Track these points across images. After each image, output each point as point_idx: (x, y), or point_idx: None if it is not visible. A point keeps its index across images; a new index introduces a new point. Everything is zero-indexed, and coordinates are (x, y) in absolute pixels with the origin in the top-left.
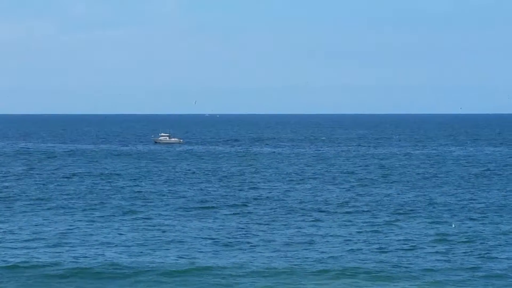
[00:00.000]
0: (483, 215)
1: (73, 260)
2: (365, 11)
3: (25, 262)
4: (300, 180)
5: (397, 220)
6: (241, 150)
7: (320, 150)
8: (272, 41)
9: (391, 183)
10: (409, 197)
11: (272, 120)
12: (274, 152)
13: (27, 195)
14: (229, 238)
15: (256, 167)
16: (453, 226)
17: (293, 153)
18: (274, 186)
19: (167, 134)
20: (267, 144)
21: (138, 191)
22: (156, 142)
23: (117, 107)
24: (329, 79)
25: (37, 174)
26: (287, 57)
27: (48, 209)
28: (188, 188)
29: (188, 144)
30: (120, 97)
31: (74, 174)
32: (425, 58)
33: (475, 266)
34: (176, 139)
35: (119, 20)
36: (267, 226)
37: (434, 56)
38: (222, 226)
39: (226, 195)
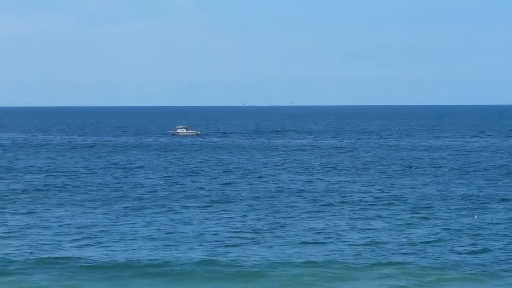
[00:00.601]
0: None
1: (96, 253)
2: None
3: (50, 255)
4: (324, 172)
5: (429, 212)
6: (260, 142)
7: (340, 142)
8: (282, 36)
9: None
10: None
11: (289, 111)
12: (294, 143)
13: (48, 189)
14: (251, 232)
15: (275, 159)
16: (475, 217)
17: (312, 145)
18: (294, 178)
19: (184, 126)
20: (286, 136)
21: (157, 184)
22: (173, 135)
23: (135, 99)
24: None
25: (58, 167)
26: (293, 51)
27: (72, 203)
28: (207, 181)
29: (205, 136)
30: (138, 89)
31: (93, 168)
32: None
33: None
34: (193, 131)
35: (133, 14)
36: (289, 219)
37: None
38: (243, 219)
39: (243, 188)
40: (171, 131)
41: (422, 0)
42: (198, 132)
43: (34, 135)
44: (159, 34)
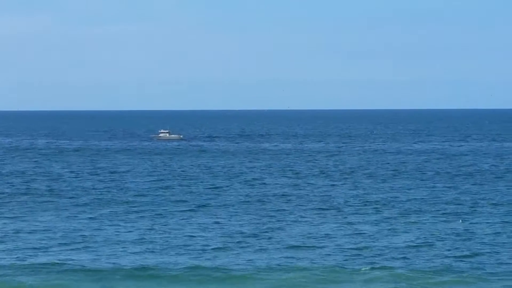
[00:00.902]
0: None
1: (82, 258)
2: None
3: (36, 260)
4: (310, 176)
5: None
6: (245, 146)
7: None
8: (280, 37)
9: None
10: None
11: (275, 115)
12: (278, 147)
13: (33, 193)
14: (238, 236)
15: (260, 163)
16: (460, 221)
17: (297, 149)
18: (280, 182)
19: (167, 131)
20: (271, 140)
21: (141, 189)
22: (156, 139)
23: (134, 101)
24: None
25: (43, 171)
26: (290, 52)
27: (56, 207)
28: (191, 185)
29: (189, 140)
30: (137, 91)
31: (78, 172)
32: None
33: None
34: (176, 135)
35: (121, 16)
36: (276, 223)
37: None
38: (230, 224)
39: (229, 193)
40: (153, 136)
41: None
42: (181, 136)
43: (21, 139)
44: (158, 35)
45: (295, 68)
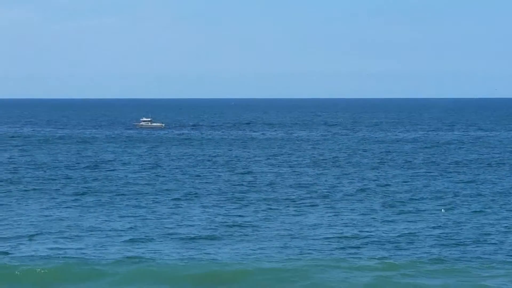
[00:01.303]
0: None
1: (66, 248)
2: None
3: (18, 250)
4: (293, 165)
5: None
6: (226, 134)
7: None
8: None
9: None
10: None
11: (270, 103)
12: (263, 136)
13: (15, 183)
14: (226, 227)
15: (240, 151)
16: (442, 211)
17: (284, 138)
18: (265, 171)
19: (149, 119)
20: (253, 128)
21: (124, 178)
22: (137, 127)
23: (113, 92)
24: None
25: (27, 160)
26: (277, 44)
27: (40, 196)
28: (175, 175)
29: (169, 128)
30: (120, 82)
31: (61, 160)
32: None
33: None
34: (158, 123)
35: (104, 9)
36: (265, 212)
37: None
38: (217, 213)
39: (211, 181)
40: (135, 123)
41: None
42: (163, 124)
43: (5, 127)
44: (136, 27)
45: (295, 61)
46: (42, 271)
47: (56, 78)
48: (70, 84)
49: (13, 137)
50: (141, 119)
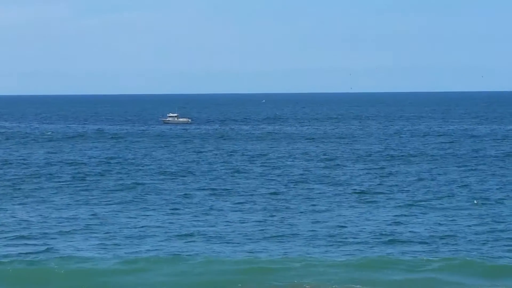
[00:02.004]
0: None
1: (67, 247)
2: None
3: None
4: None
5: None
6: (254, 130)
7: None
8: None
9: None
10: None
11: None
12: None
13: (51, 179)
14: (259, 224)
15: (276, 146)
16: (475, 202)
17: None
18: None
19: (175, 114)
20: (281, 124)
21: (156, 175)
22: (164, 122)
23: (134, 88)
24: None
25: (61, 156)
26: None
27: (71, 192)
28: (210, 170)
29: (196, 124)
30: (138, 78)
31: (80, 158)
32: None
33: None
34: (184, 119)
35: (133, 3)
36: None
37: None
38: (251, 209)
39: (246, 177)
40: (162, 119)
41: None
42: (189, 120)
43: (37, 124)
44: (159, 23)
45: (293, 57)
46: (84, 269)
47: (73, 74)
48: (88, 80)
49: (40, 135)
50: (168, 115)
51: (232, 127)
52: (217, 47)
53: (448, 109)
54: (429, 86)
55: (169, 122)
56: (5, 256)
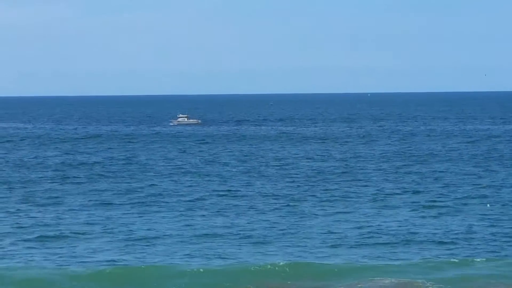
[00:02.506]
0: None
1: (62, 252)
2: None
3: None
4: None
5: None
6: (269, 130)
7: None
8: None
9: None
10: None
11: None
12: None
13: (65, 181)
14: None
15: (289, 147)
16: (488, 206)
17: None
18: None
19: (186, 115)
20: (289, 124)
21: (169, 177)
22: (175, 124)
23: (137, 89)
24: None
25: (74, 158)
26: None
27: (85, 192)
28: (222, 171)
29: (206, 125)
30: (142, 79)
31: (106, 158)
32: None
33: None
34: (194, 120)
35: (137, 4)
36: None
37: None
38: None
39: (259, 179)
40: (172, 120)
41: None
42: (199, 121)
43: (51, 125)
44: (159, 23)
45: (295, 56)
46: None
47: (76, 75)
48: (92, 81)
49: (59, 134)
50: (178, 116)
51: (246, 127)
52: (217, 47)
53: (462, 109)
54: (430, 87)
55: (180, 123)
56: (28, 261)
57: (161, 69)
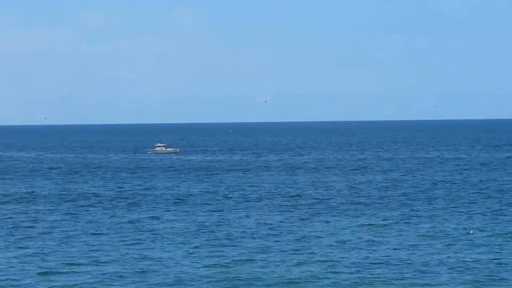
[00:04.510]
0: None
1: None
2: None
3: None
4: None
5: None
6: (238, 160)
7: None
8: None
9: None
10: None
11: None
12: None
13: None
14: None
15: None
16: (471, 232)
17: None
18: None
19: (163, 144)
20: (259, 153)
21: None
22: (152, 153)
23: (135, 117)
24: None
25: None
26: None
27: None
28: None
29: (184, 154)
30: (137, 106)
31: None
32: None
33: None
34: (172, 149)
35: (136, 31)
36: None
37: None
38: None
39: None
40: (149, 150)
41: (421, 10)
42: (177, 149)
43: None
44: (158, 51)
45: (296, 81)
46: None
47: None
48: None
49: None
50: (156, 145)
51: (221, 157)
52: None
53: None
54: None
55: (157, 152)
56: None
57: (154, 96)
